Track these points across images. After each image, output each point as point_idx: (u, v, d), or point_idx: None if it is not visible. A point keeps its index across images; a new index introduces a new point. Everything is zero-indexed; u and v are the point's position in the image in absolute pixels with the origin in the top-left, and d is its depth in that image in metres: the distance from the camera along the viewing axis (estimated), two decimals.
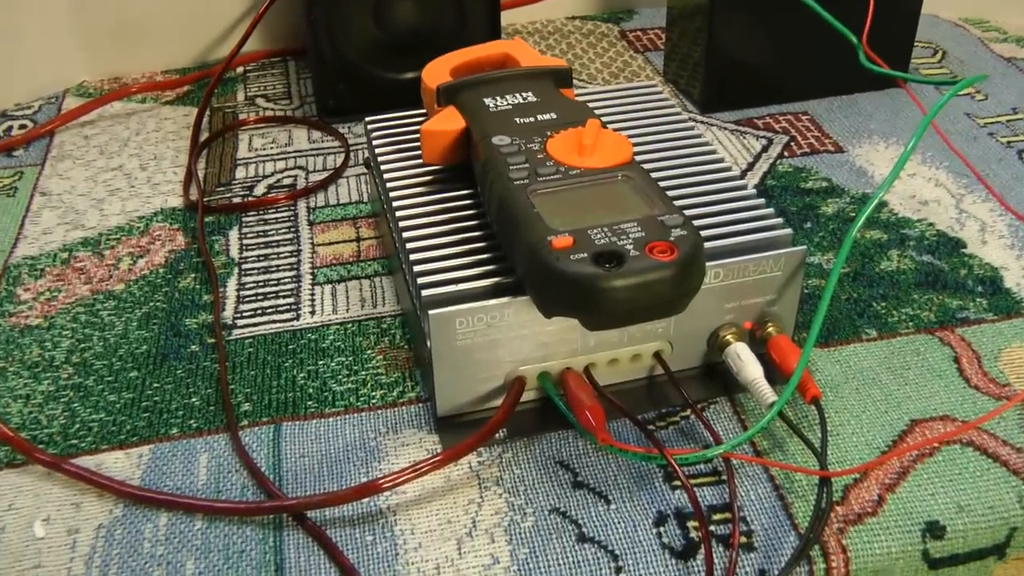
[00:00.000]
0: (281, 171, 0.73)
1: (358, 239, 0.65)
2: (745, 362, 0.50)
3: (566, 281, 0.42)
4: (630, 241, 0.43)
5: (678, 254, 0.42)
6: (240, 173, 0.73)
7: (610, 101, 0.64)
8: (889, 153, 0.73)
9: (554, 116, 0.53)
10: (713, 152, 0.59)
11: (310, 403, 0.52)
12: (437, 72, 0.60)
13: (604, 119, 0.61)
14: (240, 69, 0.91)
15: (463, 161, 0.55)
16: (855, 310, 0.58)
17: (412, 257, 0.50)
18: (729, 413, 0.51)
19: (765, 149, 0.73)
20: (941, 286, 0.60)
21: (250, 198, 0.70)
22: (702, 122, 0.77)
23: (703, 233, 0.51)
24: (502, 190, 0.48)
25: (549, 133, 0.52)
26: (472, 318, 0.47)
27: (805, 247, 0.51)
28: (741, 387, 0.50)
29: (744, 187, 0.55)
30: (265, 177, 0.73)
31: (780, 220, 0.52)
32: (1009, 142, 0.74)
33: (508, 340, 0.48)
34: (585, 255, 0.42)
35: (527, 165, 0.49)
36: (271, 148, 0.76)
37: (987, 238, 0.64)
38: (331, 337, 0.57)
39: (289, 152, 0.76)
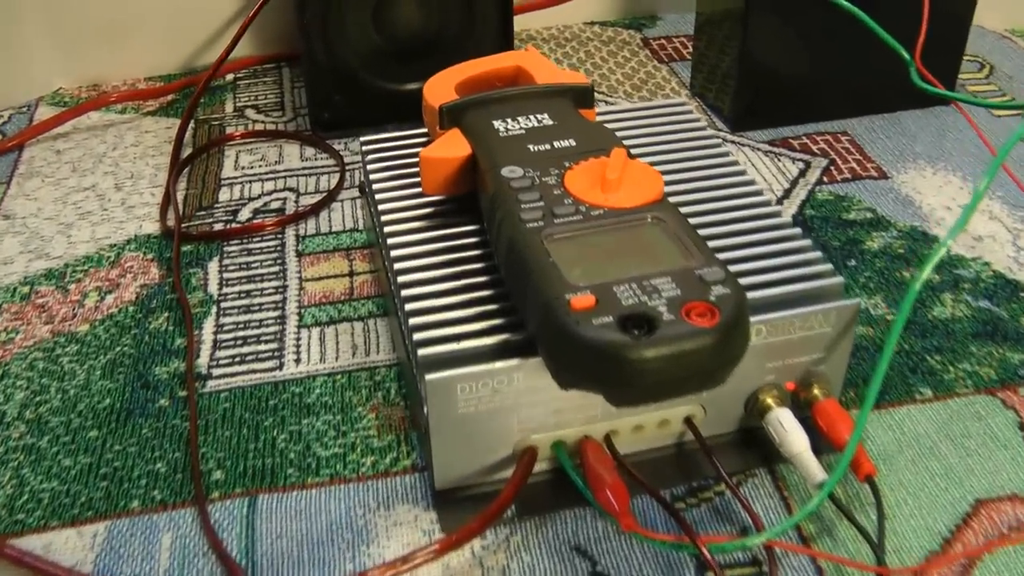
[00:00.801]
0: (269, 193, 0.67)
1: (351, 273, 0.59)
2: (789, 432, 0.43)
3: (587, 350, 0.35)
4: (663, 301, 0.36)
5: (720, 318, 0.36)
6: (224, 195, 0.67)
7: (632, 121, 0.58)
8: (937, 180, 0.66)
9: (573, 143, 0.47)
10: (752, 183, 0.52)
11: (291, 471, 0.46)
12: (440, 88, 0.53)
13: (626, 142, 0.55)
14: (229, 76, 0.84)
15: (469, 192, 0.49)
16: (907, 364, 0.51)
17: (408, 307, 0.44)
18: (770, 488, 0.45)
19: (803, 174, 0.66)
20: (1001, 337, 0.53)
21: (233, 224, 0.64)
22: (733, 142, 0.70)
23: (741, 281, 0.44)
24: (512, 233, 0.41)
25: (568, 164, 0.45)
26: (476, 383, 0.41)
27: (859, 300, 0.44)
28: (783, 456, 0.44)
29: (788, 225, 0.49)
30: (251, 200, 0.66)
31: (830, 267, 0.46)
32: None
33: (518, 406, 0.42)
34: (610, 319, 0.35)
35: (542, 203, 0.42)
36: (259, 166, 0.70)
37: None
38: (317, 391, 0.50)
39: (279, 171, 0.69)
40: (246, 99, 0.80)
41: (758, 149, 0.69)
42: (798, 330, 0.44)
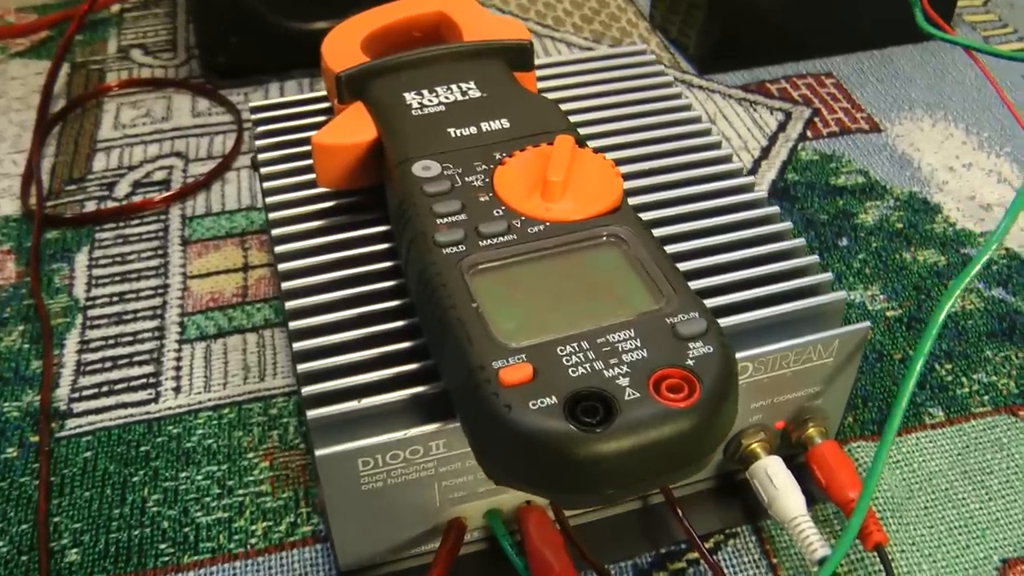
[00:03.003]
0: (153, 160, 0.56)
1: (245, 267, 0.49)
2: (780, 490, 0.35)
3: (524, 443, 0.26)
4: (624, 369, 0.27)
5: (700, 393, 0.26)
6: (99, 163, 0.56)
7: (576, 77, 0.47)
8: (936, 133, 0.57)
9: (507, 124, 0.37)
10: (727, 158, 0.42)
11: (163, 546, 0.37)
12: (342, 45, 0.43)
13: (568, 106, 0.45)
14: (115, 7, 0.72)
15: (377, 183, 0.39)
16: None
17: (297, 347, 0.34)
18: (755, 553, 0.36)
19: (782, 127, 0.56)
20: (1020, 337, 0.45)
21: (108, 203, 0.53)
22: (701, 88, 0.60)
23: (717, 299, 0.35)
24: (425, 260, 0.31)
25: (499, 156, 0.35)
26: (383, 456, 0.32)
27: (868, 325, 0.35)
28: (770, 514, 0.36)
29: (773, 218, 0.39)
30: (131, 169, 0.55)
31: (828, 276, 0.37)
32: None
33: (438, 476, 0.33)
34: (553, 400, 0.26)
35: (464, 217, 0.32)
36: (143, 124, 0.59)
37: None
38: (200, 431, 0.41)
39: (166, 131, 0.58)
40: (132, 37, 0.68)
41: (730, 96, 0.59)
42: (792, 364, 0.35)
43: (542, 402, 0.26)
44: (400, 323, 0.35)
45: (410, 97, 0.38)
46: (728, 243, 0.38)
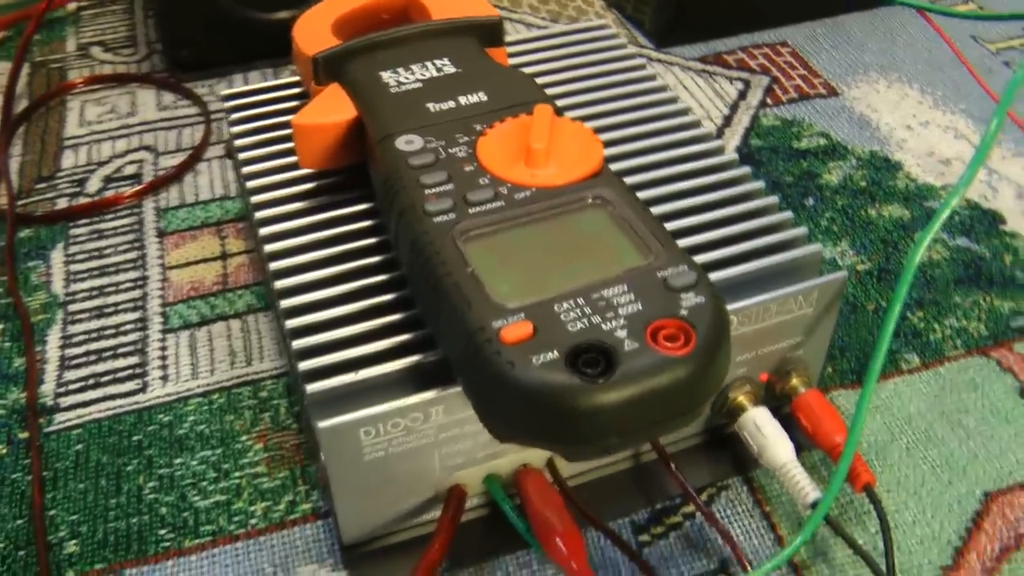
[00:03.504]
0: (122, 154, 0.56)
1: (224, 255, 0.49)
2: (769, 439, 0.36)
3: (528, 398, 0.27)
4: (622, 321, 0.28)
5: (697, 340, 0.27)
6: (68, 160, 0.56)
7: (540, 53, 0.48)
8: (892, 94, 0.58)
9: (484, 97, 0.37)
10: (694, 123, 0.43)
11: (163, 532, 0.37)
12: (313, 29, 0.43)
13: (537, 80, 0.45)
14: (72, 6, 0.71)
15: (358, 161, 0.39)
16: None
17: (289, 324, 0.35)
18: (748, 503, 0.37)
19: (742, 96, 0.58)
20: (986, 282, 0.46)
21: (80, 199, 0.53)
22: (660, 61, 0.61)
23: (696, 257, 0.36)
24: (416, 230, 0.32)
25: (479, 127, 0.36)
26: (384, 425, 0.32)
27: (844, 274, 0.36)
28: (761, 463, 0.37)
29: (745, 178, 0.40)
30: (101, 164, 0.55)
31: (804, 231, 0.38)
32: None
33: (438, 443, 0.34)
34: (555, 354, 0.27)
35: (451, 187, 0.33)
36: (109, 120, 0.59)
37: None
38: (191, 418, 0.41)
39: (132, 125, 0.58)
40: (91, 34, 0.67)
41: (689, 69, 0.60)
42: (775, 316, 0.36)
43: (544, 356, 0.27)
44: (391, 296, 0.35)
45: (387, 76, 0.39)
46: (704, 204, 0.39)
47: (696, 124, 0.43)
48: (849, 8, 0.65)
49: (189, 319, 0.45)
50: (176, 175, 0.54)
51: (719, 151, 0.42)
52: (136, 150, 0.56)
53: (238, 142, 0.43)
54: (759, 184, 0.40)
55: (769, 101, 0.57)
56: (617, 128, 0.42)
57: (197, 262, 0.48)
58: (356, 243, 0.37)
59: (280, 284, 0.36)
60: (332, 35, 0.43)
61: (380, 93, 0.38)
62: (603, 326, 0.28)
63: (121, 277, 0.48)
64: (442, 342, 0.32)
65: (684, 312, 0.28)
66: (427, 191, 0.33)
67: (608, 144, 0.41)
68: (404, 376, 0.33)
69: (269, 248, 0.38)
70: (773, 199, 0.39)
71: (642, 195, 0.39)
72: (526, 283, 0.29)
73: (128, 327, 0.45)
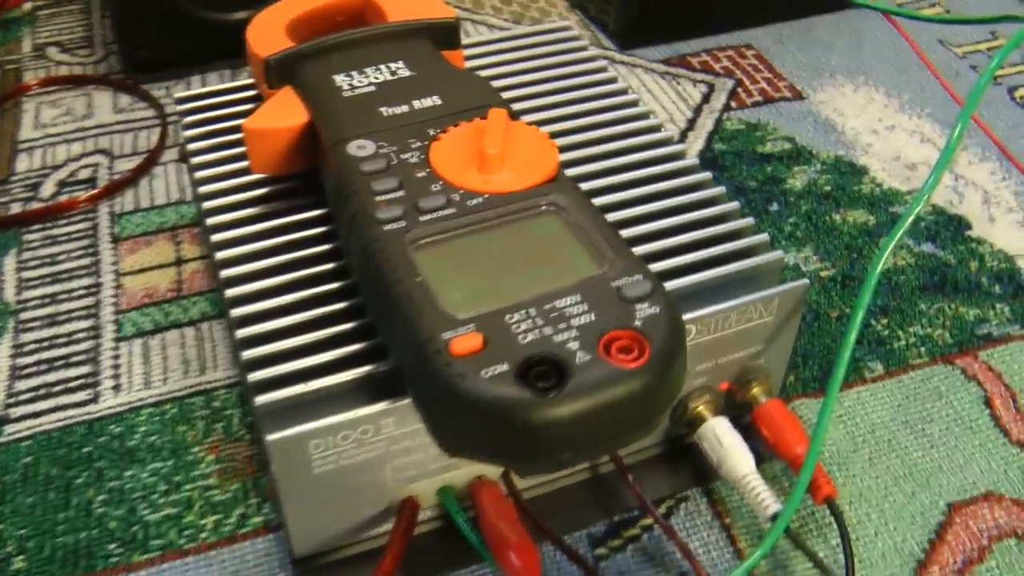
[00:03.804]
0: (77, 158, 0.55)
1: (179, 261, 0.48)
2: (729, 450, 0.35)
3: (478, 412, 0.26)
4: (573, 333, 0.27)
5: (651, 352, 0.27)
6: (21, 164, 0.54)
7: (501, 55, 0.47)
8: (858, 98, 0.58)
9: (438, 101, 0.37)
10: (656, 127, 0.43)
11: (112, 546, 0.36)
12: (267, 30, 0.42)
13: (496, 83, 0.45)
14: (27, 5, 0.70)
15: (311, 167, 0.38)
16: None
17: (240, 334, 0.34)
18: (707, 515, 0.37)
19: (706, 99, 0.57)
20: (951, 289, 0.46)
21: (33, 204, 0.52)
22: (623, 63, 0.61)
23: (656, 264, 0.36)
24: (367, 237, 0.31)
25: (433, 132, 0.35)
26: (334, 437, 0.31)
27: (806, 282, 0.36)
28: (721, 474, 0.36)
29: (706, 183, 0.40)
30: (55, 168, 0.54)
31: (765, 237, 0.37)
32: (998, 78, 0.60)
33: (389, 455, 0.33)
34: (506, 367, 0.26)
35: (403, 193, 0.32)
36: (64, 123, 0.58)
37: (994, 213, 0.50)
38: (143, 428, 0.40)
39: (88, 128, 0.57)
40: (47, 35, 0.66)
41: (652, 71, 0.60)
42: (734, 324, 0.35)
43: (494, 369, 0.26)
44: (343, 304, 0.34)
45: (340, 79, 0.38)
46: (664, 209, 0.38)
47: (657, 128, 0.43)
48: (815, 10, 0.65)
49: (142, 327, 0.44)
50: (131, 179, 0.53)
51: (680, 155, 0.41)
52: (91, 153, 0.55)
53: (191, 146, 0.42)
54: (720, 190, 0.39)
55: (733, 104, 0.57)
56: (576, 132, 0.42)
57: (151, 268, 0.47)
58: (309, 250, 0.37)
59: (231, 292, 0.35)
60: (286, 37, 0.42)
61: (333, 97, 0.37)
62: (555, 338, 0.27)
63: (74, 284, 0.47)
64: (392, 351, 0.31)
65: (638, 323, 0.27)
66: (378, 198, 0.32)
67: (566, 149, 0.41)
68: (356, 386, 0.32)
69: (220, 255, 0.37)
70: (734, 205, 0.38)
71: (599, 201, 0.38)
72: (477, 293, 0.29)
73: (80, 335, 0.44)
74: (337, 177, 0.34)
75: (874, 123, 0.56)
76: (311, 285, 0.35)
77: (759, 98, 0.57)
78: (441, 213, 0.31)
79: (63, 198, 0.52)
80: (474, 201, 0.32)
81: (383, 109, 0.36)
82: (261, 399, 0.32)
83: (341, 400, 0.32)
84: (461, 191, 0.32)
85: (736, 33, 0.63)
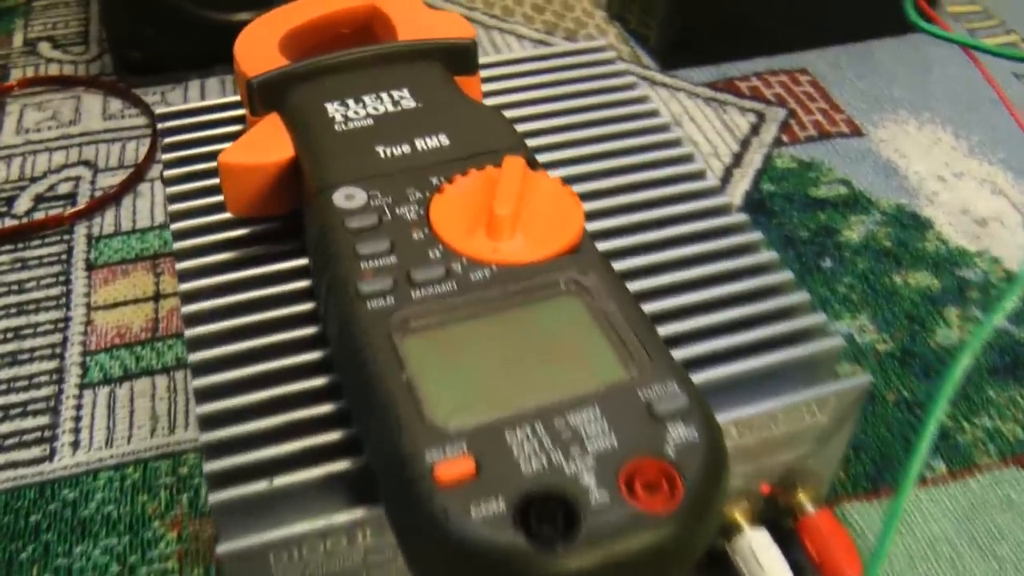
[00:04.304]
0: (58, 169, 0.50)
1: (157, 295, 0.43)
2: (766, 570, 0.30)
3: (464, 560, 0.21)
4: (589, 461, 0.22)
5: (684, 491, 0.21)
6: None
7: (526, 79, 0.42)
8: (923, 137, 0.52)
9: (446, 142, 0.31)
10: (698, 174, 0.37)
11: None
12: (257, 44, 0.37)
13: (514, 113, 0.39)
14: None
15: (295, 210, 0.33)
16: (909, 421, 0.38)
17: (200, 411, 0.29)
18: None
19: (755, 130, 0.51)
20: None
21: (6, 221, 0.47)
22: (664, 86, 0.55)
23: (685, 353, 0.30)
24: (346, 314, 0.26)
25: (436, 181, 0.30)
26: (299, 549, 0.26)
27: (869, 379, 0.30)
28: None
29: (755, 246, 0.34)
30: (33, 180, 0.49)
31: (821, 318, 0.32)
32: None
33: (367, 567, 0.28)
34: (501, 506, 0.21)
35: (393, 259, 0.27)
36: (48, 128, 0.53)
37: None
38: (99, 495, 0.35)
39: (73, 136, 0.52)
40: (41, 28, 0.61)
41: (696, 96, 0.54)
42: (782, 424, 0.30)
43: (488, 508, 0.21)
44: (321, 380, 0.29)
45: (333, 108, 0.33)
46: (702, 279, 0.33)
47: (701, 174, 0.37)
48: (876, 33, 0.59)
49: (111, 372, 0.39)
50: (115, 196, 0.48)
51: (726, 209, 0.36)
52: (74, 165, 0.50)
53: (167, 173, 0.37)
54: (772, 256, 0.34)
55: (785, 138, 0.51)
56: (605, 176, 0.36)
57: (126, 303, 0.42)
58: (287, 309, 0.31)
59: (195, 358, 0.30)
60: (279, 53, 0.37)
61: (323, 131, 0.32)
62: (565, 468, 0.22)
63: (41, 317, 0.42)
64: (367, 453, 0.26)
65: (670, 451, 0.22)
66: (364, 264, 0.27)
67: (592, 196, 0.35)
68: (328, 484, 0.27)
69: (187, 310, 0.32)
70: (787, 275, 0.33)
71: (626, 263, 0.33)
72: (473, 398, 0.23)
73: (42, 379, 0.39)
74: (319, 231, 0.29)
75: (940, 168, 0.50)
76: (285, 353, 0.30)
77: (813, 132, 0.52)
78: (438, 288, 0.26)
79: (39, 215, 0.47)
80: (479, 274, 0.27)
81: (380, 149, 0.31)
82: (216, 497, 0.27)
83: (311, 499, 0.27)
84: (464, 260, 0.27)
85: (789, 55, 0.57)
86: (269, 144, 0.32)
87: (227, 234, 0.34)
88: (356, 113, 0.32)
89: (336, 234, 0.28)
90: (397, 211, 0.29)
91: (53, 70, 0.57)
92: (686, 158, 0.38)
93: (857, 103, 0.54)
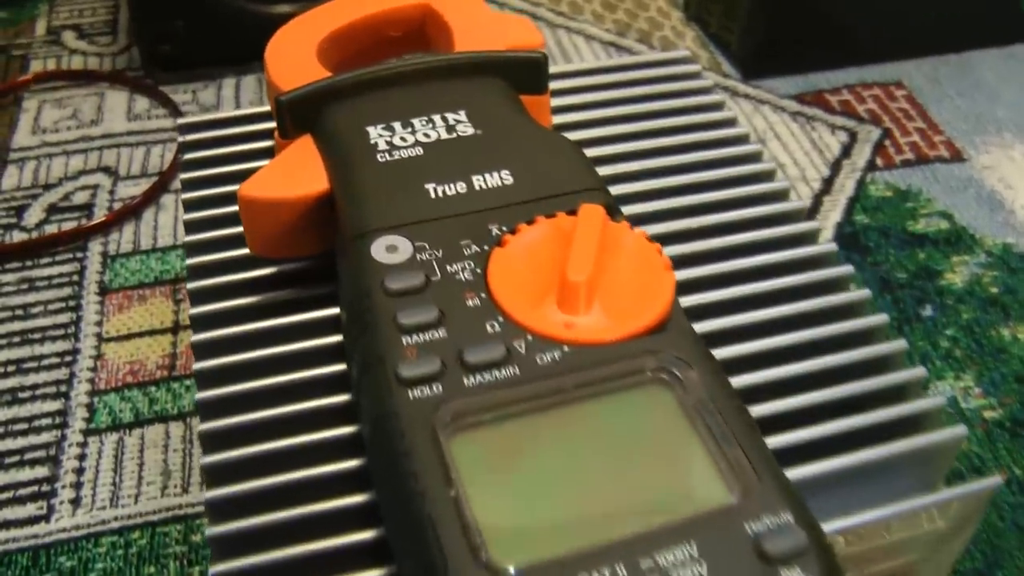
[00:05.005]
0: (75, 176, 0.46)
1: (176, 327, 0.38)
2: None
3: None
4: None
5: None
6: (9, 180, 0.46)
7: (594, 93, 0.37)
8: None
9: (509, 180, 0.26)
10: (795, 214, 0.32)
11: None
12: (292, 50, 0.32)
13: (577, 133, 0.34)
14: None
15: (327, 250, 0.29)
16: (1018, 523, 0.33)
17: (209, 496, 0.24)
18: None
19: (847, 152, 0.46)
20: None
21: (15, 234, 0.43)
22: (747, 98, 0.50)
23: (781, 441, 0.25)
24: (383, 404, 0.21)
25: (497, 230, 0.25)
26: None
27: (998, 481, 0.25)
28: None
29: (863, 307, 0.29)
30: (47, 188, 0.45)
31: (940, 400, 0.26)
32: None
33: None
34: None
35: (443, 334, 0.22)
36: (68, 129, 0.49)
37: None
38: (99, 565, 0.31)
39: (94, 138, 0.48)
40: (66, 16, 0.57)
41: (782, 110, 0.49)
42: (893, 532, 0.25)
43: None
44: (351, 463, 0.25)
45: (376, 133, 0.28)
46: (791, 347, 0.28)
47: (799, 214, 0.32)
48: (978, 43, 0.53)
49: (120, 416, 0.35)
50: (135, 209, 0.43)
51: (828, 260, 0.30)
52: (93, 171, 0.46)
53: (185, 196, 0.33)
54: (882, 318, 0.28)
55: (879, 162, 0.46)
56: (683, 216, 0.31)
57: (141, 334, 0.38)
58: (314, 370, 0.27)
59: (204, 428, 0.26)
60: (316, 61, 0.32)
61: (363, 161, 0.27)
62: None
63: (47, 348, 0.38)
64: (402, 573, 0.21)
65: None
66: (406, 339, 0.22)
67: (668, 238, 0.30)
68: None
69: (199, 366, 0.27)
70: (901, 344, 0.28)
71: (706, 326, 0.28)
72: (538, 524, 0.19)
73: (44, 421, 0.35)
74: (352, 289, 0.24)
75: None
76: (311, 427, 0.25)
77: (910, 156, 0.46)
78: (497, 374, 0.21)
79: (51, 228, 0.43)
80: (547, 355, 0.22)
81: (431, 186, 0.26)
82: (217, 569, 0.22)
83: None
84: (529, 336, 0.22)
85: (883, 66, 0.52)
86: (299, 174, 0.28)
87: (249, 273, 0.30)
88: (403, 140, 0.28)
89: (373, 298, 0.23)
90: (448, 269, 0.24)
91: (76, 63, 0.53)
92: (779, 195, 0.32)
93: (957, 123, 0.48)
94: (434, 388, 0.21)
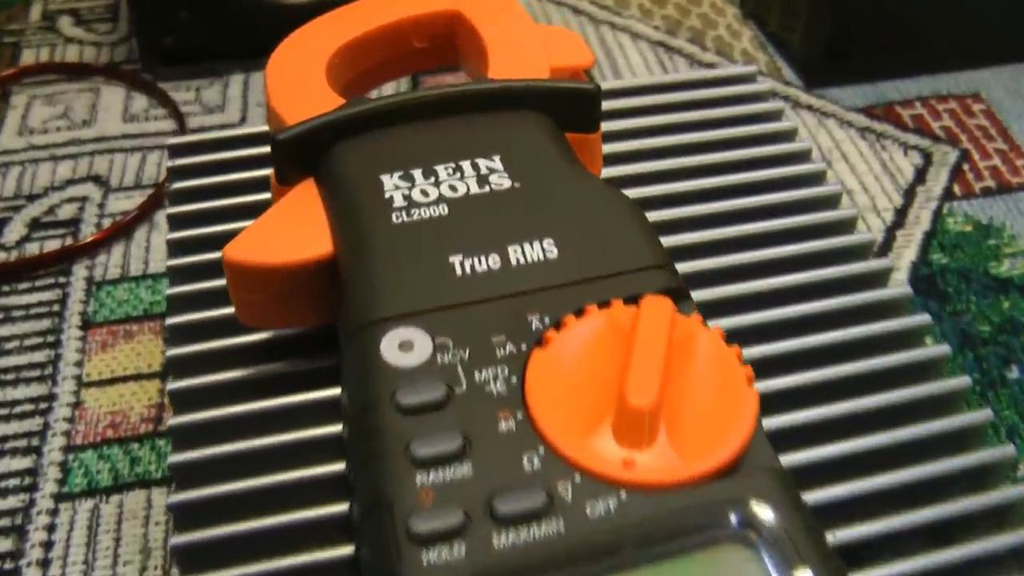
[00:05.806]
0: (62, 186, 0.41)
1: (165, 370, 0.34)
2: None
3: None
4: None
5: None
6: None
7: (646, 118, 0.32)
8: None
9: (553, 253, 0.21)
10: (861, 247, 0.27)
11: None
12: (297, 68, 0.27)
13: (623, 164, 0.30)
14: None
15: (328, 322, 0.24)
16: None
17: None
18: None
19: (921, 177, 0.41)
20: None
21: None
22: (810, 108, 0.44)
23: (851, 535, 0.21)
24: (386, 560, 0.16)
25: (537, 323, 0.20)
26: None
27: None
28: None
29: (938, 366, 0.24)
30: (31, 199, 0.41)
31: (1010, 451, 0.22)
32: None
33: None
34: None
35: (467, 471, 0.18)
36: (56, 130, 0.44)
37: None
38: None
39: (85, 141, 0.43)
40: (61, 1, 0.53)
41: (849, 125, 0.44)
42: None
43: None
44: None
45: (391, 184, 0.23)
46: (861, 414, 0.23)
47: (867, 249, 0.27)
48: None
49: (97, 479, 0.31)
50: (126, 227, 0.39)
51: (902, 307, 0.26)
52: (82, 180, 0.42)
53: (171, 236, 0.28)
54: (965, 382, 0.24)
55: (957, 189, 0.40)
56: (756, 276, 0.27)
57: (126, 378, 0.34)
58: (309, 470, 0.22)
59: (179, 540, 0.21)
60: (325, 80, 0.27)
61: (374, 222, 0.22)
62: None
63: (19, 392, 0.34)
64: None
65: None
66: (421, 476, 0.17)
67: (715, 277, 0.26)
68: None
69: (174, 459, 0.23)
70: (986, 414, 0.23)
71: (768, 384, 0.23)
72: None
73: (10, 483, 0.31)
74: (354, 400, 0.19)
75: None
76: (301, 547, 0.21)
77: (991, 183, 0.41)
78: (536, 531, 0.17)
79: (32, 246, 0.38)
80: (601, 504, 0.17)
81: (456, 260, 0.21)
82: None
83: None
84: (578, 474, 0.17)
85: (960, 74, 0.46)
86: (297, 232, 0.23)
87: (237, 339, 0.25)
88: (424, 194, 0.23)
89: (381, 414, 0.18)
90: (476, 376, 0.19)
91: (72, 52, 0.48)
92: (848, 226, 0.28)
93: None
94: (455, 549, 0.16)
